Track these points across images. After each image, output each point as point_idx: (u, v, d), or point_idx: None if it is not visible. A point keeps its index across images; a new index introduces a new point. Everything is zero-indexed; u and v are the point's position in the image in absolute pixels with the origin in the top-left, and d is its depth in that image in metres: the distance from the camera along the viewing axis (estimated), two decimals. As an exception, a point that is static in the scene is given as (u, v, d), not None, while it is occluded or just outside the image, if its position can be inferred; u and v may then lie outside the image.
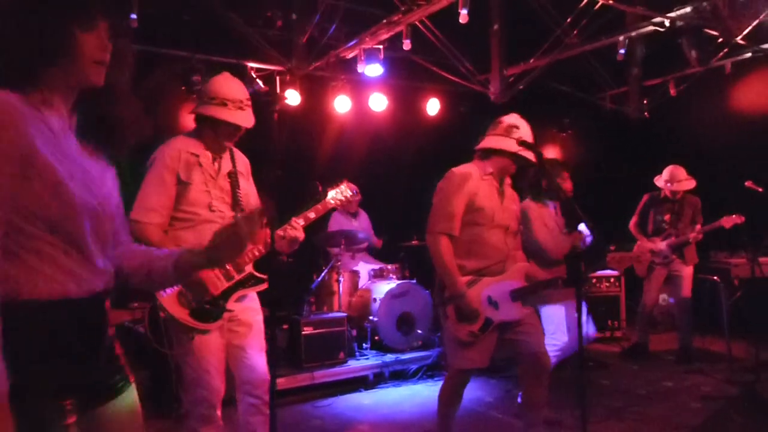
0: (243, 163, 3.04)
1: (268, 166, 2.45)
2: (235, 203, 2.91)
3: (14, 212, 1.28)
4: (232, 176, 2.93)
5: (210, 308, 2.76)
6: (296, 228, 2.93)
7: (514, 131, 3.20)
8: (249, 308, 2.93)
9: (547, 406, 3.32)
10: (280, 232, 2.87)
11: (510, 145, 3.18)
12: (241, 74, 5.99)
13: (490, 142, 3.28)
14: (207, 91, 2.85)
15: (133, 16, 4.64)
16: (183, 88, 5.87)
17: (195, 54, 5.73)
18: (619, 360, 5.92)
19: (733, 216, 5.23)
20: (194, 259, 1.63)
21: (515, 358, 3.35)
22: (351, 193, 3.16)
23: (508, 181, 3.40)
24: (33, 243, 1.31)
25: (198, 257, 1.63)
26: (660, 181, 5.71)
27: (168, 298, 2.68)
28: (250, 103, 2.88)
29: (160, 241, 2.70)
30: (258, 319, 2.97)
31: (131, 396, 1.58)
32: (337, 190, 3.16)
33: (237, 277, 2.86)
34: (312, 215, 3.04)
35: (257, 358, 2.90)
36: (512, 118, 3.28)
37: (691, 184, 5.58)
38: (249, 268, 2.89)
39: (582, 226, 4.11)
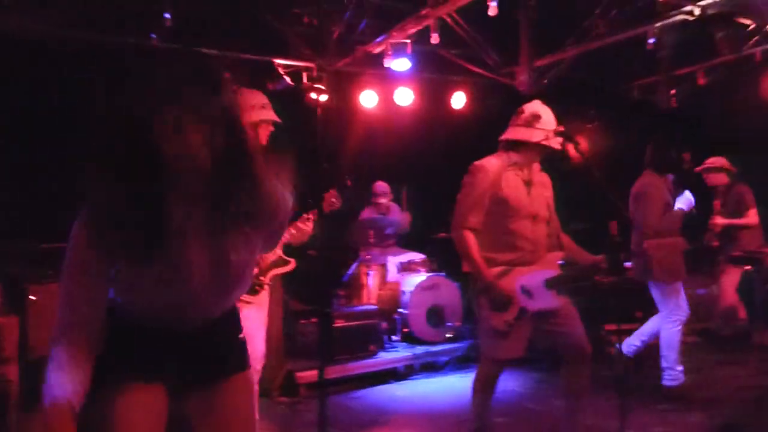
0: None
1: (314, 160, 2.56)
2: None
3: None
4: None
5: (253, 282, 3.15)
6: (307, 221, 3.40)
7: (537, 121, 3.20)
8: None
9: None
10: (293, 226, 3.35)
11: (533, 135, 3.18)
12: (269, 72, 6.06)
13: (512, 133, 3.27)
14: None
15: (167, 15, 4.72)
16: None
17: (224, 52, 5.80)
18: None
19: None
20: None
21: (556, 350, 3.34)
22: (335, 201, 3.61)
23: (536, 167, 3.38)
24: None
25: None
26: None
27: None
28: (269, 104, 3.31)
29: None
30: (267, 300, 3.34)
31: (236, 383, 1.71)
32: (330, 194, 3.63)
33: (271, 257, 3.28)
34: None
35: (260, 336, 3.27)
36: (534, 107, 3.26)
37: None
38: (279, 251, 3.32)
39: (686, 193, 4.32)
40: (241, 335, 1.78)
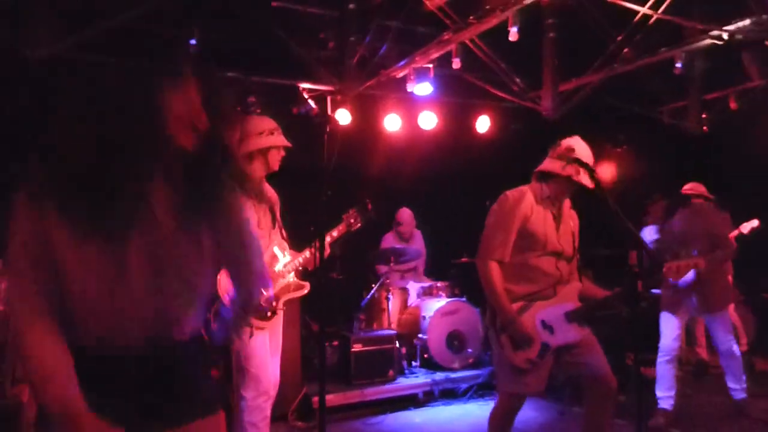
0: (272, 193, 3.48)
1: (316, 188, 2.59)
2: (274, 223, 3.38)
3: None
4: (270, 202, 3.41)
5: (268, 308, 3.16)
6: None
7: (571, 154, 3.12)
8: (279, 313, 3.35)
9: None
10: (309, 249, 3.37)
11: (564, 169, 3.11)
12: (294, 95, 6.14)
13: (547, 164, 3.21)
14: (242, 132, 3.28)
15: (193, 41, 4.83)
16: (239, 108, 6.06)
17: (250, 76, 5.90)
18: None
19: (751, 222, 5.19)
20: None
21: (579, 382, 3.26)
22: (354, 221, 3.65)
23: (567, 203, 3.31)
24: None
25: None
26: None
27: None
28: (279, 129, 3.35)
29: None
30: (280, 325, 3.37)
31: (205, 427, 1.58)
32: (349, 214, 3.68)
33: (285, 281, 3.33)
34: (335, 233, 3.56)
35: (275, 362, 3.28)
36: (570, 141, 3.19)
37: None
38: (293, 276, 3.37)
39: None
40: (213, 372, 1.72)
